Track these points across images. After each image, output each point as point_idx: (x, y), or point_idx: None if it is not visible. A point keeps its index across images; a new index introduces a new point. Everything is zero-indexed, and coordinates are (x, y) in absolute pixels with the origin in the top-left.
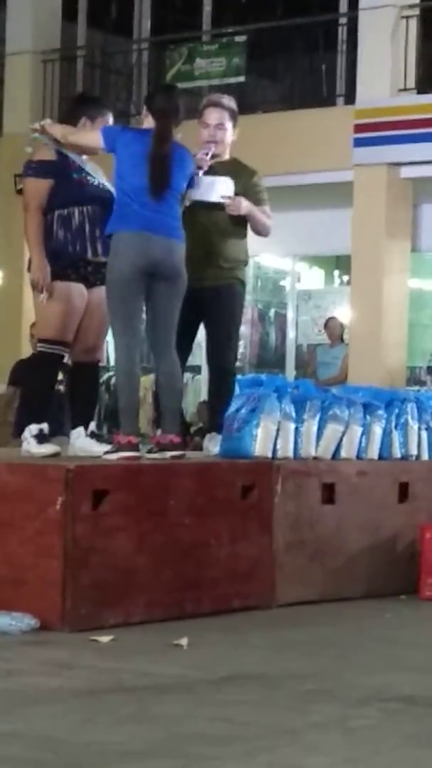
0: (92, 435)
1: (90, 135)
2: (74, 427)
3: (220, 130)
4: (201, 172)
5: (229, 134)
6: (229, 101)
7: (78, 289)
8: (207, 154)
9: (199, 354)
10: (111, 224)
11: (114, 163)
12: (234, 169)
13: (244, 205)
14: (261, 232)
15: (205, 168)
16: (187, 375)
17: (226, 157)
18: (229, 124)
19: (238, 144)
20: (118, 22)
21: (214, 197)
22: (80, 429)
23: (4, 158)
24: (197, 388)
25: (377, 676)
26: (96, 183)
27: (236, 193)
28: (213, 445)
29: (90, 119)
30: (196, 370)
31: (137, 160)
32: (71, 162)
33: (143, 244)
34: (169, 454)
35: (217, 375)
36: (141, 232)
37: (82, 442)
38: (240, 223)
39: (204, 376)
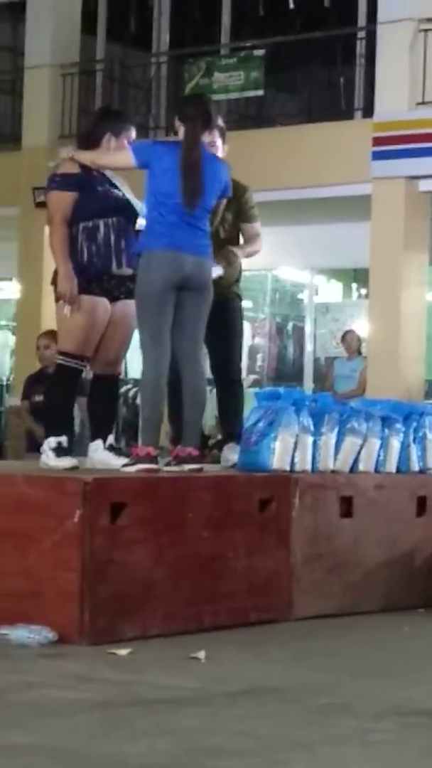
0: (110, 448)
1: (120, 155)
2: (93, 439)
3: (212, 148)
4: None
5: (220, 152)
6: (219, 120)
7: (102, 303)
8: None
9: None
10: (142, 242)
11: (146, 179)
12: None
13: (239, 260)
14: (253, 255)
15: None
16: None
17: None
18: (219, 142)
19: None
20: (137, 36)
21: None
22: (99, 442)
23: (23, 171)
24: (213, 401)
25: (395, 690)
26: (120, 195)
27: (232, 211)
28: (232, 453)
29: (114, 134)
30: (212, 383)
31: (170, 174)
32: (95, 174)
33: (175, 261)
34: (187, 467)
35: (226, 386)
36: (172, 250)
37: (101, 455)
38: (233, 242)
39: None
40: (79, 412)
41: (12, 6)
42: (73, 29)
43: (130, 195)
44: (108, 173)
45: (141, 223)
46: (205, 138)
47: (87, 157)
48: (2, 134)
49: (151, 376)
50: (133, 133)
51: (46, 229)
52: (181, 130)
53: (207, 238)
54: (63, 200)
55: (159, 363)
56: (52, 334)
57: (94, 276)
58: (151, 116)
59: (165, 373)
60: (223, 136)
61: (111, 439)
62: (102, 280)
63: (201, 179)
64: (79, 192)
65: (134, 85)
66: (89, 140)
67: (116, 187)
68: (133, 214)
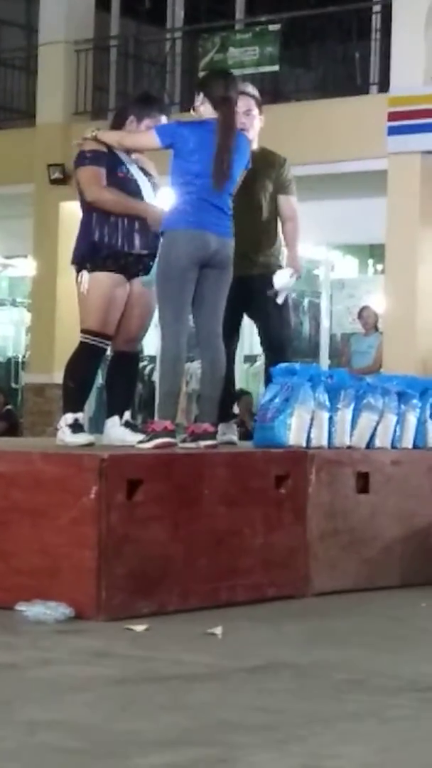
0: (127, 424)
1: (145, 137)
2: (110, 416)
3: (248, 117)
4: None
5: (257, 121)
6: (253, 89)
7: (119, 279)
8: None
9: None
10: (167, 221)
11: (170, 159)
12: (264, 158)
13: (296, 271)
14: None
15: None
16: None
17: (255, 146)
18: (255, 111)
19: (272, 132)
20: (151, 12)
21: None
22: (115, 418)
23: (37, 148)
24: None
25: (412, 666)
26: (136, 179)
27: (269, 184)
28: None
29: (137, 118)
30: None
31: (197, 155)
32: (117, 156)
33: (200, 239)
34: (203, 443)
35: (279, 356)
36: (198, 229)
37: (117, 431)
38: (273, 221)
39: (237, 365)
40: None
41: None
42: (86, 5)
43: (146, 183)
44: (134, 157)
45: None
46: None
47: (113, 137)
48: (17, 111)
49: (172, 351)
50: (161, 120)
51: (61, 206)
52: (206, 107)
53: (230, 218)
54: (98, 174)
55: (179, 339)
56: None
57: (109, 253)
58: (165, 92)
59: (184, 348)
60: (259, 106)
61: (127, 415)
62: (118, 258)
63: (231, 164)
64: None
65: (149, 61)
66: (116, 121)
67: (132, 173)
68: (149, 199)
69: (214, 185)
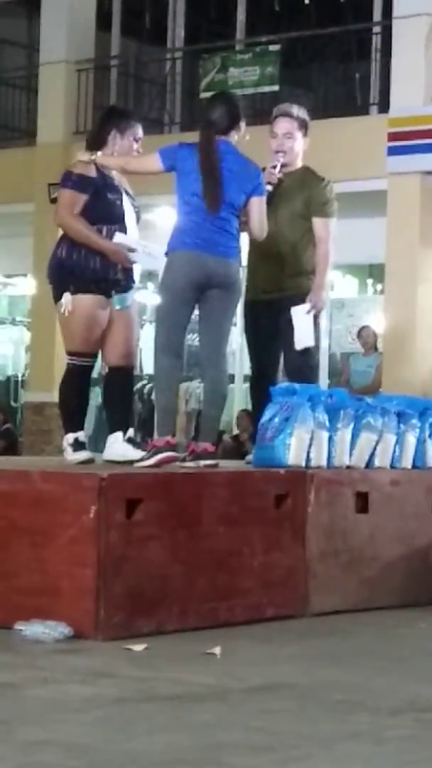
0: (129, 440)
1: (148, 160)
2: (111, 432)
3: (288, 140)
4: (270, 187)
5: (299, 143)
6: (298, 111)
7: (100, 300)
8: (275, 167)
9: (231, 362)
10: (169, 242)
11: (174, 181)
12: (303, 177)
13: (320, 304)
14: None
15: (275, 182)
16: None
17: (298, 165)
18: (298, 134)
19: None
20: (152, 32)
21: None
22: (118, 434)
23: (38, 167)
24: (230, 398)
25: (412, 686)
26: (122, 205)
27: (299, 205)
28: None
29: (119, 132)
30: (230, 379)
31: (194, 175)
32: (109, 182)
33: (197, 260)
34: (202, 462)
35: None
36: (196, 252)
37: (119, 447)
38: (308, 234)
39: (238, 385)
40: None
41: (27, 2)
42: (87, 25)
43: (130, 210)
44: (119, 179)
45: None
46: (231, 138)
47: (116, 162)
48: (17, 130)
49: (165, 368)
50: (140, 130)
51: None
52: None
53: (234, 239)
54: (74, 200)
55: (171, 356)
56: None
57: (91, 278)
58: (166, 112)
59: (177, 365)
60: (304, 128)
61: (131, 432)
62: (99, 282)
63: (219, 182)
64: (91, 196)
65: (149, 80)
66: (96, 140)
67: (122, 199)
68: (136, 222)
69: (207, 205)
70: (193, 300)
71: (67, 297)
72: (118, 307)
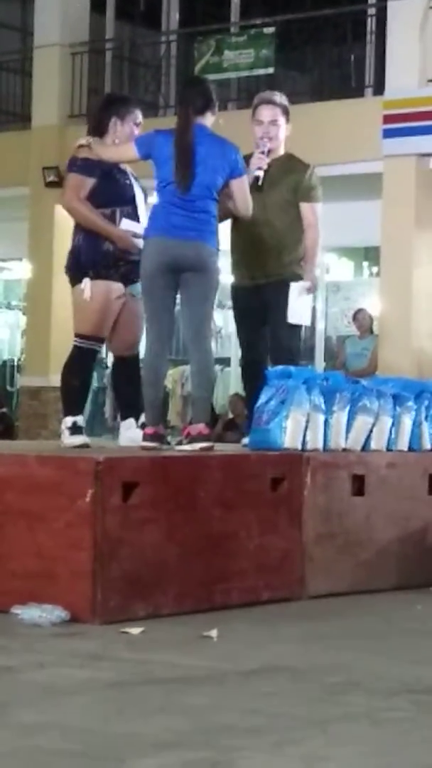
0: (143, 426)
1: (124, 149)
2: (124, 419)
3: (274, 126)
4: (261, 173)
5: (283, 130)
6: (281, 98)
7: (117, 287)
8: (263, 152)
9: (227, 346)
10: (143, 231)
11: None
12: (288, 164)
13: (311, 284)
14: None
15: (265, 167)
16: (216, 367)
17: (281, 152)
18: (282, 120)
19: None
20: (147, 15)
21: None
22: (130, 420)
23: (33, 151)
24: (227, 381)
25: (407, 668)
26: (133, 185)
27: (285, 191)
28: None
29: (120, 118)
30: (225, 362)
31: (169, 165)
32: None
33: (162, 245)
34: (198, 445)
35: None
36: (163, 236)
37: (131, 433)
38: (295, 220)
39: (233, 368)
40: None
41: None
42: (82, 8)
43: (140, 192)
44: (125, 165)
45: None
46: (207, 120)
47: (96, 150)
48: (12, 114)
49: (147, 356)
50: (140, 116)
51: (57, 209)
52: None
53: (208, 223)
54: (81, 184)
55: (153, 344)
56: None
57: (111, 261)
58: (161, 95)
59: (161, 353)
60: (286, 114)
61: (143, 417)
62: (118, 265)
63: (191, 161)
64: (99, 179)
65: (144, 64)
66: (97, 129)
67: (131, 180)
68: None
69: (177, 184)
70: (167, 284)
71: (86, 282)
72: (135, 294)
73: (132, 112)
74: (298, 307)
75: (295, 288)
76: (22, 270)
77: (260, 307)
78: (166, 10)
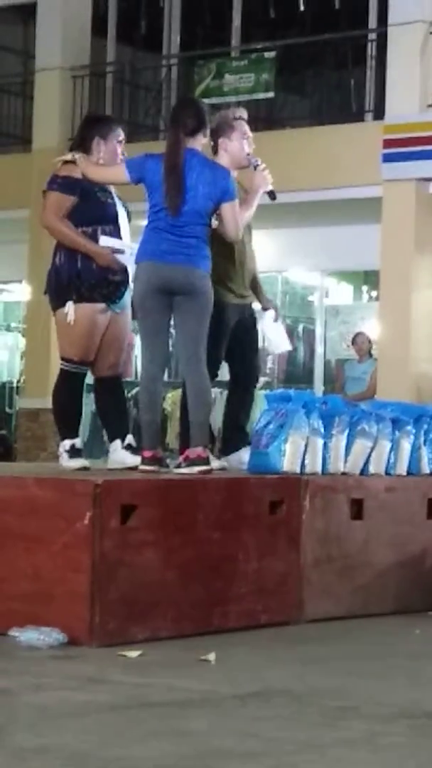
0: (128, 447)
1: (113, 171)
2: (111, 440)
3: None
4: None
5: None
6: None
7: (101, 309)
8: (261, 168)
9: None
10: (136, 253)
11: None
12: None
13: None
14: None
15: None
16: (216, 390)
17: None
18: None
19: (267, 159)
20: (148, 38)
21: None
22: (117, 442)
23: (33, 173)
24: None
25: (405, 693)
26: (115, 204)
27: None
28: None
29: (102, 138)
30: (224, 385)
31: (161, 190)
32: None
33: (152, 268)
34: (196, 469)
35: (253, 388)
36: (153, 262)
37: (117, 455)
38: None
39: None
40: None
41: (22, 8)
42: (83, 31)
43: (122, 210)
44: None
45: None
46: (198, 142)
47: (83, 167)
48: (13, 136)
49: (143, 378)
50: (122, 133)
51: None
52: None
53: (198, 247)
54: (61, 202)
55: (149, 367)
56: None
57: (95, 282)
58: (161, 118)
59: (157, 376)
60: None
61: (130, 438)
62: (102, 287)
63: (180, 184)
64: (80, 197)
65: (144, 87)
66: (80, 150)
67: (113, 198)
68: (125, 223)
69: (167, 206)
70: (161, 307)
71: (69, 306)
72: (117, 311)
73: (114, 130)
74: (277, 337)
75: (265, 320)
76: (21, 292)
77: (243, 327)
78: (167, 33)
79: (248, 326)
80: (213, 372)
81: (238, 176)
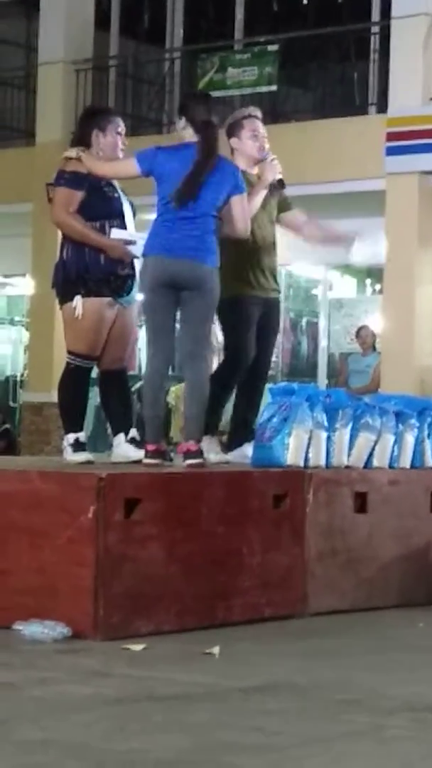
0: (132, 441)
1: (124, 165)
2: (115, 434)
3: (262, 138)
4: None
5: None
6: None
7: (109, 304)
8: (272, 159)
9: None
10: (143, 247)
11: (154, 186)
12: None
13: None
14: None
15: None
16: None
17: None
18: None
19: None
20: (151, 32)
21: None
22: (121, 436)
23: (36, 167)
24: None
25: (409, 686)
26: (120, 198)
27: (273, 209)
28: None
29: (101, 129)
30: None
31: (175, 178)
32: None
33: (160, 263)
34: (186, 462)
35: (261, 384)
36: (161, 256)
37: (121, 449)
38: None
39: None
40: None
41: (26, 2)
42: (86, 25)
43: (127, 205)
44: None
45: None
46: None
47: (89, 164)
48: (16, 130)
49: (147, 372)
50: (122, 125)
51: None
52: (188, 131)
53: (208, 241)
54: (70, 197)
55: (153, 361)
56: None
57: (102, 276)
58: (164, 112)
59: (162, 370)
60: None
61: (133, 432)
62: (110, 281)
63: (198, 184)
64: (87, 192)
65: (147, 81)
66: (80, 143)
67: (119, 193)
68: (132, 218)
69: (176, 198)
70: (168, 301)
71: (77, 300)
72: (125, 305)
73: (112, 121)
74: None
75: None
76: (25, 286)
77: (264, 320)
78: (170, 27)
79: (267, 323)
80: (239, 365)
81: (255, 170)
